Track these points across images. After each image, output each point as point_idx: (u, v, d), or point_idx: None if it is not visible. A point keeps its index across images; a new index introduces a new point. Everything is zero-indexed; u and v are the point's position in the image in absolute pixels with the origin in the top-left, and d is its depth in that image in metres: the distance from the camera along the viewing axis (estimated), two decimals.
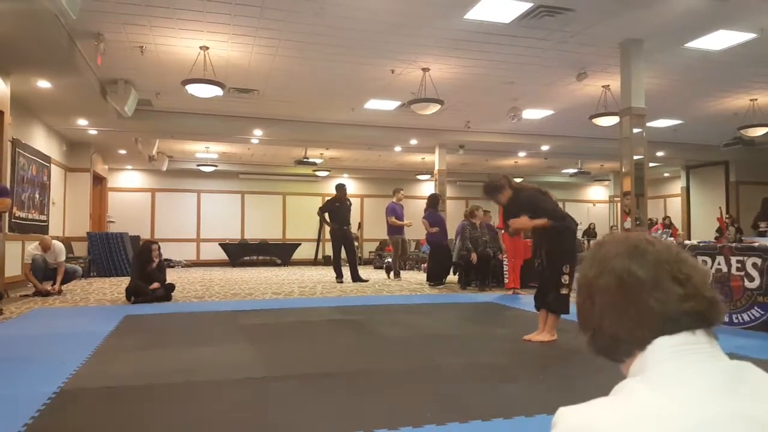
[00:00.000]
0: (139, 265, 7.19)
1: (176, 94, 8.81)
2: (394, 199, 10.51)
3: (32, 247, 7.99)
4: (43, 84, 7.84)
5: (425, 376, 3.36)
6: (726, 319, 4.98)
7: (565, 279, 4.29)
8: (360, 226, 17.16)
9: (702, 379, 0.74)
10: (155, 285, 7.04)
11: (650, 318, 0.80)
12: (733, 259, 4.95)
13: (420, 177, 17.42)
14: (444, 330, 5.08)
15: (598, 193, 20.34)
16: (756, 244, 4.91)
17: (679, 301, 0.80)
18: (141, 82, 8.59)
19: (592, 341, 0.88)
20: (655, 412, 0.70)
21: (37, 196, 9.65)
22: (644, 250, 0.84)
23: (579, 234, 17.42)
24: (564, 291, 4.29)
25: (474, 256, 8.52)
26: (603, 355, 0.87)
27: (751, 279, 4.79)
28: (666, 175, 17.93)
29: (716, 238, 10.76)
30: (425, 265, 10.83)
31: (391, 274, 10.70)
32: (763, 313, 4.71)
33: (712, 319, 0.81)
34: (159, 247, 7.40)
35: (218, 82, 7.49)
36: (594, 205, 20.14)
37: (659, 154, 13.98)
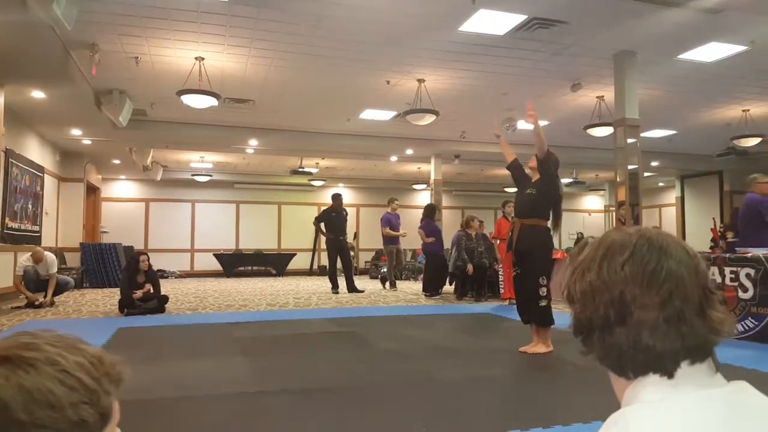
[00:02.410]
0: (128, 277, 7.14)
1: (171, 104, 8.79)
2: (389, 209, 10.50)
3: (24, 259, 7.93)
4: (38, 94, 7.81)
5: (421, 390, 3.34)
6: None
7: (544, 291, 4.29)
8: (356, 235, 17.13)
9: (699, 411, 0.70)
10: (138, 294, 6.98)
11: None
12: (727, 270, 4.95)
13: (416, 186, 17.42)
14: (440, 342, 5.05)
15: (593, 202, 20.40)
16: (749, 255, 4.91)
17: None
18: (136, 92, 8.57)
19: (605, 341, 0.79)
20: None
21: (30, 206, 9.60)
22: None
23: (572, 243, 17.46)
24: (543, 303, 4.29)
25: (470, 268, 8.51)
26: (613, 362, 0.78)
27: (745, 290, 4.80)
28: (661, 184, 18.01)
29: (711, 248, 10.82)
30: (422, 275, 10.80)
31: (387, 284, 10.66)
32: (756, 323, 4.71)
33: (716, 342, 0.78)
34: (148, 257, 7.34)
35: (213, 93, 7.48)
36: (589, 214, 20.19)
37: (654, 164, 14.05)
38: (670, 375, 0.74)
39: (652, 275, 0.75)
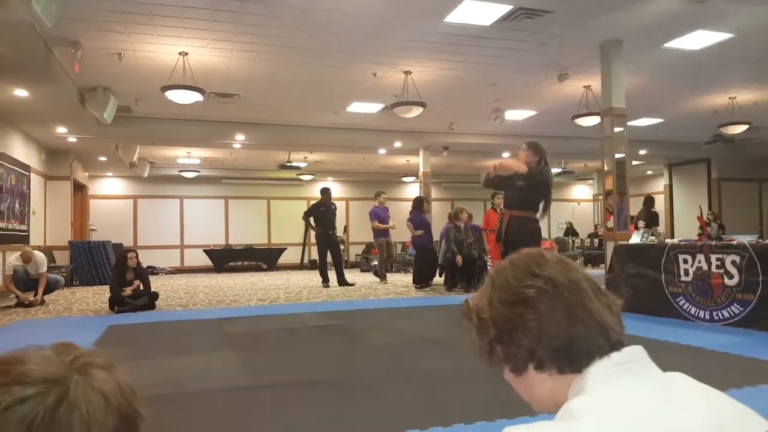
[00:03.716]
0: (117, 274, 7.11)
1: (156, 100, 8.72)
2: (377, 203, 10.49)
3: (13, 258, 7.86)
4: (20, 92, 7.72)
5: (411, 382, 3.35)
6: (706, 316, 5.04)
7: None
8: (346, 229, 17.12)
9: (644, 398, 0.74)
10: (127, 291, 6.95)
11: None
12: (713, 257, 5.00)
13: (405, 179, 17.43)
14: (430, 333, 5.07)
15: (582, 191, 20.50)
16: (735, 242, 4.96)
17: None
18: (120, 88, 8.49)
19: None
20: None
21: (17, 205, 9.51)
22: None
23: (562, 233, 17.56)
24: None
25: (459, 259, 8.54)
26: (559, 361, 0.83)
27: (731, 276, 4.85)
28: (649, 173, 18.11)
29: (699, 236, 10.91)
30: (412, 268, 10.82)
31: (383, 275, 10.63)
32: (742, 309, 4.76)
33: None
34: (137, 254, 7.31)
35: (198, 88, 7.42)
36: (578, 203, 20.30)
37: (642, 152, 14.12)
38: (608, 367, 0.79)
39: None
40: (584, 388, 0.78)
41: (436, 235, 10.06)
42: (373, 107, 10.05)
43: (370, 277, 11.57)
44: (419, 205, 9.80)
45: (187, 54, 7.10)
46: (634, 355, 0.80)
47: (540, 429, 0.73)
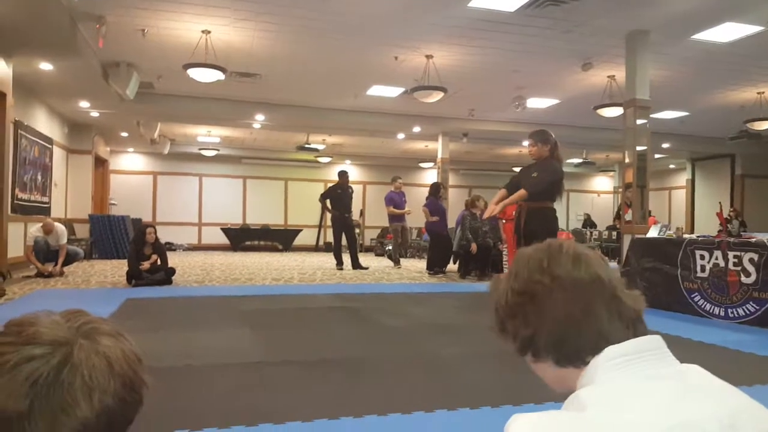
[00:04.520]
0: (135, 248, 7.22)
1: (178, 78, 8.77)
2: (393, 188, 10.48)
3: (34, 229, 8.01)
4: (45, 66, 7.81)
5: (420, 366, 3.37)
6: (722, 314, 4.99)
7: None
8: (362, 213, 17.16)
9: (654, 389, 0.73)
10: (145, 266, 7.05)
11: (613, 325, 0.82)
12: (731, 254, 4.93)
13: (423, 165, 17.38)
14: (442, 319, 5.09)
15: (603, 183, 20.27)
16: (754, 240, 4.89)
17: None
18: (143, 65, 8.55)
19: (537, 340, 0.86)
20: (609, 423, 0.70)
21: (39, 177, 9.67)
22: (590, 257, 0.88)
23: (580, 225, 17.42)
24: None
25: (474, 246, 8.53)
26: (557, 354, 0.85)
27: (748, 274, 4.78)
28: (672, 167, 17.85)
29: (719, 232, 10.75)
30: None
31: (394, 261, 10.66)
32: (758, 308, 4.70)
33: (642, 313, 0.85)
34: (155, 229, 7.41)
35: (220, 67, 7.45)
36: (599, 195, 20.09)
37: (665, 145, 13.91)
38: (618, 356, 0.78)
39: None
40: (594, 377, 0.78)
41: (451, 222, 10.04)
42: (394, 91, 10.00)
43: (384, 262, 11.60)
44: (436, 191, 9.77)
45: (209, 32, 7.12)
46: (650, 344, 0.80)
47: (547, 417, 0.73)
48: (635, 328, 0.83)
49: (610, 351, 0.78)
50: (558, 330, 0.83)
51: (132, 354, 0.68)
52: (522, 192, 4.42)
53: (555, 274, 0.84)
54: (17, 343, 0.61)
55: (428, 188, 9.99)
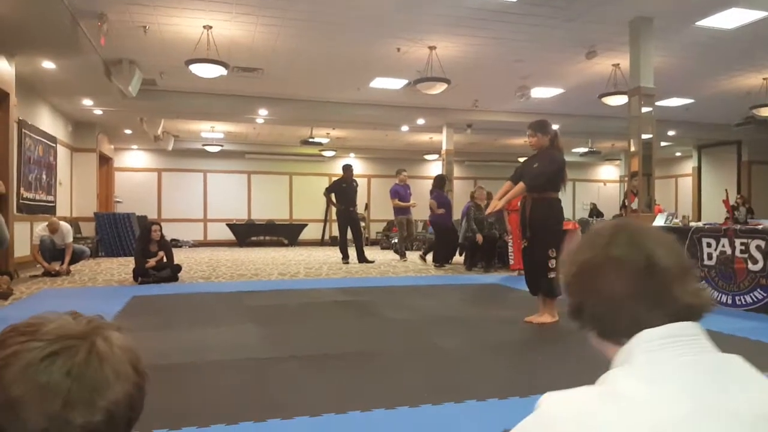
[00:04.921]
0: (141, 246, 7.24)
1: (180, 74, 8.75)
2: (398, 181, 10.46)
3: (40, 228, 8.04)
4: (48, 64, 7.82)
5: (427, 358, 3.37)
6: (729, 301, 4.96)
7: (552, 263, 4.29)
8: (367, 206, 17.14)
9: (686, 372, 0.74)
10: (151, 263, 7.07)
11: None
12: (737, 242, 4.90)
13: (427, 157, 17.33)
14: (448, 312, 5.08)
15: (608, 172, 20.17)
16: (760, 227, 4.85)
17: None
18: (145, 61, 8.54)
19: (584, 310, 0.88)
20: (638, 404, 0.71)
21: (44, 176, 9.70)
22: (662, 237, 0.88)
23: (586, 214, 17.36)
24: (552, 275, 4.29)
25: (479, 237, 8.50)
26: (597, 327, 0.87)
27: (755, 261, 4.75)
28: (678, 154, 17.74)
29: (726, 219, 10.70)
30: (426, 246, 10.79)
31: (404, 255, 10.62)
32: (765, 295, 4.67)
33: (703, 311, 0.83)
34: (160, 227, 7.42)
35: (222, 62, 7.43)
36: (605, 184, 20.00)
37: (670, 133, 13.81)
38: (654, 339, 0.79)
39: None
40: (629, 357, 0.79)
41: (456, 215, 10.01)
42: (397, 83, 9.96)
43: (390, 255, 11.60)
44: (441, 183, 9.75)
45: (211, 28, 7.10)
46: (686, 330, 0.79)
47: (579, 393, 0.75)
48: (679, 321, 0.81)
49: (647, 334, 0.79)
50: (599, 307, 0.85)
51: (134, 347, 0.73)
52: (521, 186, 4.39)
53: (611, 253, 0.85)
54: (38, 339, 0.66)
55: (432, 180, 9.96)
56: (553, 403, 0.76)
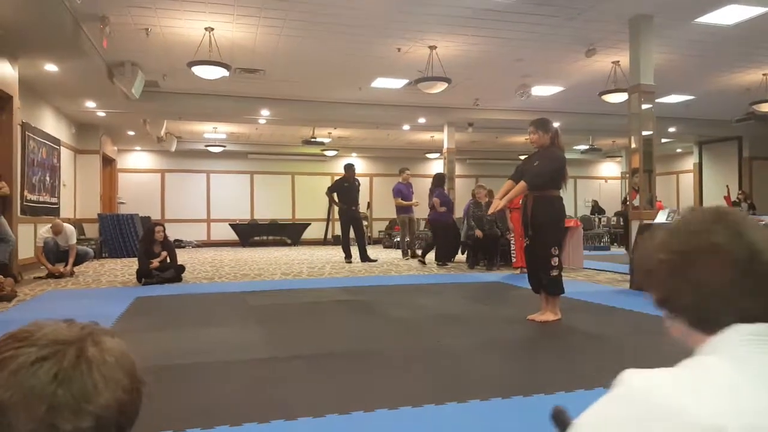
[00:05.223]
0: (144, 247, 7.28)
1: (183, 76, 8.80)
2: (401, 179, 10.48)
3: (44, 230, 8.09)
4: (50, 67, 7.86)
5: (430, 358, 3.40)
6: None
7: (555, 261, 4.30)
8: (369, 205, 17.17)
9: None
10: (154, 264, 7.11)
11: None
12: None
13: (429, 155, 17.35)
14: (450, 310, 5.11)
15: (610, 169, 20.16)
16: (762, 223, 4.87)
17: None
18: (147, 64, 8.58)
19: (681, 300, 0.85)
20: (728, 384, 0.70)
21: (47, 178, 9.75)
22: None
23: (588, 211, 17.37)
24: (555, 273, 4.31)
25: (478, 232, 8.51)
26: (693, 317, 0.84)
27: None
28: (678, 150, 17.72)
29: None
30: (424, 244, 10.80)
31: (410, 253, 10.63)
32: None
33: None
34: (164, 228, 7.46)
35: (224, 64, 7.46)
36: (606, 181, 19.99)
37: (671, 129, 13.81)
38: (750, 334, 0.77)
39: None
40: (717, 348, 0.77)
41: (458, 213, 10.04)
42: (398, 83, 9.99)
43: (392, 254, 11.63)
44: (442, 181, 9.77)
45: (213, 29, 7.13)
46: None
47: (660, 373, 0.74)
48: None
49: (740, 327, 0.77)
50: (696, 296, 0.82)
51: (128, 353, 0.73)
52: (522, 185, 4.40)
53: (713, 241, 0.81)
54: (30, 345, 0.66)
55: (431, 179, 9.98)
56: (635, 380, 0.74)
